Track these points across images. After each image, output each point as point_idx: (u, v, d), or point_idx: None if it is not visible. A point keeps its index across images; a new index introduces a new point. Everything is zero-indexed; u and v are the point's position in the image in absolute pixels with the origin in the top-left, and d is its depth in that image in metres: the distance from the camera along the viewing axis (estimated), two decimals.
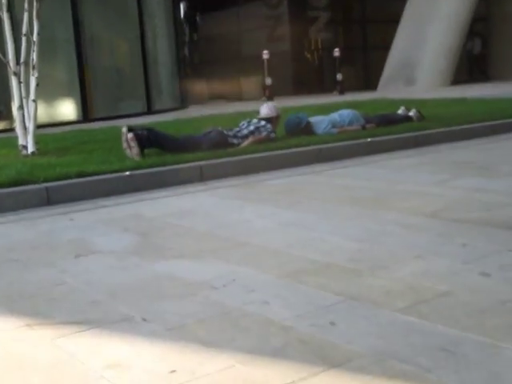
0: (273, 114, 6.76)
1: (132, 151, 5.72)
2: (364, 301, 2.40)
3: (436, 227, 3.43)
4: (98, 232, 3.86)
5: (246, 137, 6.38)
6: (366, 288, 2.54)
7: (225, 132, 6.35)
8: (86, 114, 12.50)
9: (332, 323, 2.20)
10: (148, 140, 5.86)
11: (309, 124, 6.96)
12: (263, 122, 6.57)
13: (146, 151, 5.91)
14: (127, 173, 5.18)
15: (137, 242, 3.56)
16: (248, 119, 6.72)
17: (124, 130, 5.84)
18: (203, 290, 2.64)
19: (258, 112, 6.90)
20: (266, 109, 6.80)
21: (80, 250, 3.45)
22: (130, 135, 5.71)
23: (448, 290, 2.45)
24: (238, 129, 6.49)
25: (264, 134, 6.47)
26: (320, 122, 7.03)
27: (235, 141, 6.34)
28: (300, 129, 6.90)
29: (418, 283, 2.55)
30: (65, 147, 7.11)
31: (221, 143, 6.19)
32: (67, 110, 12.54)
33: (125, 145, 5.80)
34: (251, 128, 6.48)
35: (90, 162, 5.69)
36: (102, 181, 5.11)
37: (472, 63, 20.44)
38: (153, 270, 2.98)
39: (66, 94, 12.65)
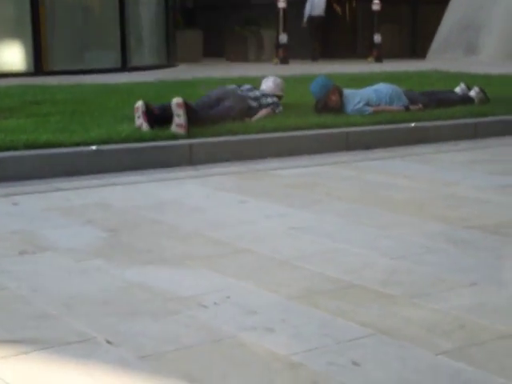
0: (278, 92, 6.88)
1: (174, 121, 5.60)
2: (398, 337, 2.42)
3: (497, 246, 3.44)
4: (50, 223, 3.87)
5: (260, 99, 6.47)
6: (401, 320, 2.56)
7: (240, 92, 6.45)
8: (38, 64, 12.49)
9: (355, 363, 2.22)
10: (195, 112, 5.84)
11: (337, 90, 6.95)
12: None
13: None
14: (93, 147, 5.20)
15: (102, 239, 3.57)
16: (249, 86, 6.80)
17: (140, 103, 5.75)
18: (188, 308, 2.66)
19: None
20: (271, 82, 6.91)
21: (26, 245, 3.46)
22: (179, 100, 5.61)
23: (510, 332, 2.47)
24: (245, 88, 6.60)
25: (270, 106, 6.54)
26: (350, 97, 7.04)
27: (255, 104, 6.44)
28: (328, 92, 6.90)
29: (471, 319, 2.57)
30: (9, 107, 7.12)
31: (244, 109, 6.28)
32: (13, 57, 12.51)
33: (139, 121, 5.72)
34: (257, 94, 6.59)
35: (44, 129, 5.70)
36: (58, 155, 5.13)
37: None
38: (122, 278, 3.00)
39: (12, 35, 12.62)
